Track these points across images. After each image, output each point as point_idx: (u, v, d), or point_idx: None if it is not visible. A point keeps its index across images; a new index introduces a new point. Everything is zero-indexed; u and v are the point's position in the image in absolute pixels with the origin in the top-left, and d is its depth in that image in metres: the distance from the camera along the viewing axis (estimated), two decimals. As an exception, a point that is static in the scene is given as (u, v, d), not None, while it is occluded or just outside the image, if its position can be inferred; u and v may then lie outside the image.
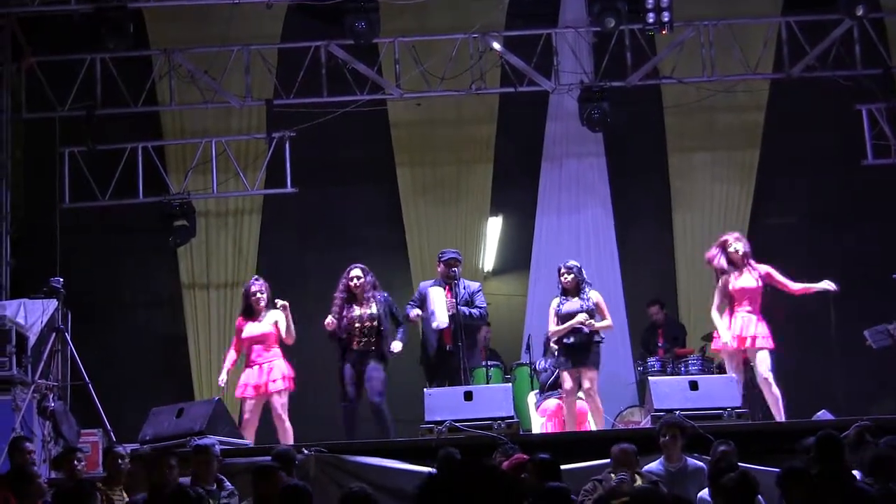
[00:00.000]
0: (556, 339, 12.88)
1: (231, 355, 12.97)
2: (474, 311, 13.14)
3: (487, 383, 13.52)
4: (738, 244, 12.75)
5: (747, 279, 12.61)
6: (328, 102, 16.10)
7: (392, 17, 15.86)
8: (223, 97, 16.27)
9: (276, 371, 12.59)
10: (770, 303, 12.93)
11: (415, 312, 13.10)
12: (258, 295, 12.83)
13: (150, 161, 16.35)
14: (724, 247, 12.78)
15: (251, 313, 12.85)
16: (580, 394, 12.90)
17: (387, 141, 17.34)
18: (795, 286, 12.79)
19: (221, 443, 10.73)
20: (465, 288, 13.21)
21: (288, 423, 12.51)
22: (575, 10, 16.70)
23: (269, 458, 10.01)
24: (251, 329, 12.76)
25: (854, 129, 16.23)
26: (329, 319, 12.85)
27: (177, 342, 17.00)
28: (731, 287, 12.67)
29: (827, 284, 12.72)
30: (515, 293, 17.57)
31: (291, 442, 12.17)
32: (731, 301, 12.72)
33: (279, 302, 12.77)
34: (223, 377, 12.90)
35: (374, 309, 12.84)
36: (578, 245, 16.99)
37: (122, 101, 16.06)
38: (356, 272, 12.99)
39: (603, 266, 16.89)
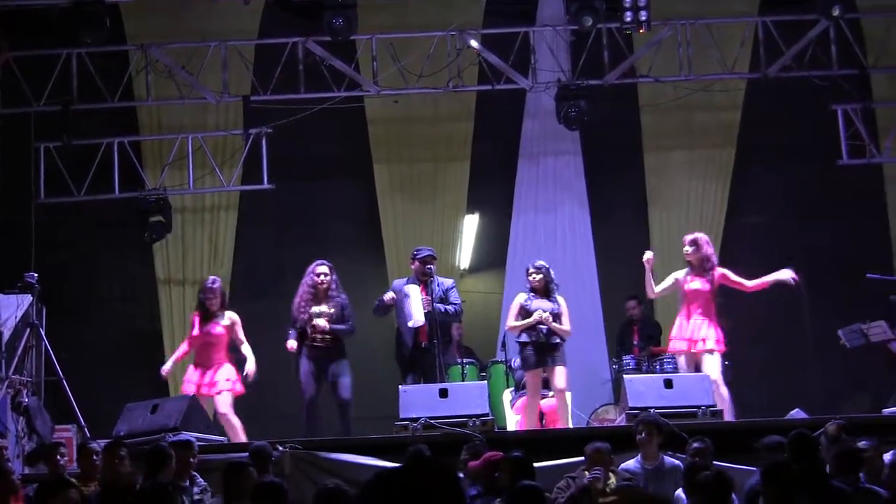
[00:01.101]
0: (517, 336, 12.91)
1: (182, 347, 13.12)
2: (449, 307, 13.16)
3: (463, 381, 13.55)
4: (687, 247, 12.96)
5: (699, 282, 12.80)
6: (305, 99, 16.09)
7: (370, 13, 15.85)
8: (200, 93, 16.23)
9: (220, 373, 12.71)
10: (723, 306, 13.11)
11: (389, 296, 13.16)
12: (211, 299, 12.95)
13: (126, 156, 16.30)
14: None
15: (205, 311, 12.97)
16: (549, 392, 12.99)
17: (364, 138, 17.32)
18: (751, 284, 12.91)
19: (196, 439, 10.71)
20: (438, 285, 13.23)
21: (235, 420, 12.58)
22: (553, 9, 16.71)
23: (244, 454, 10.01)
24: (203, 329, 12.89)
25: (829, 128, 16.27)
26: (290, 343, 12.95)
27: (152, 338, 16.95)
28: (685, 287, 12.88)
29: (785, 274, 12.79)
30: (491, 291, 17.58)
31: (243, 437, 12.25)
32: (686, 302, 12.92)
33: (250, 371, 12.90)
34: (168, 367, 13.11)
35: (332, 310, 12.95)
36: (555, 242, 17.02)
37: (99, 96, 15.99)
38: (323, 269, 13.10)
39: (579, 264, 16.94)
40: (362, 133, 17.29)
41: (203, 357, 12.91)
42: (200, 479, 9.82)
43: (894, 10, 16.63)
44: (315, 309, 12.97)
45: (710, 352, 12.70)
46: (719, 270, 12.95)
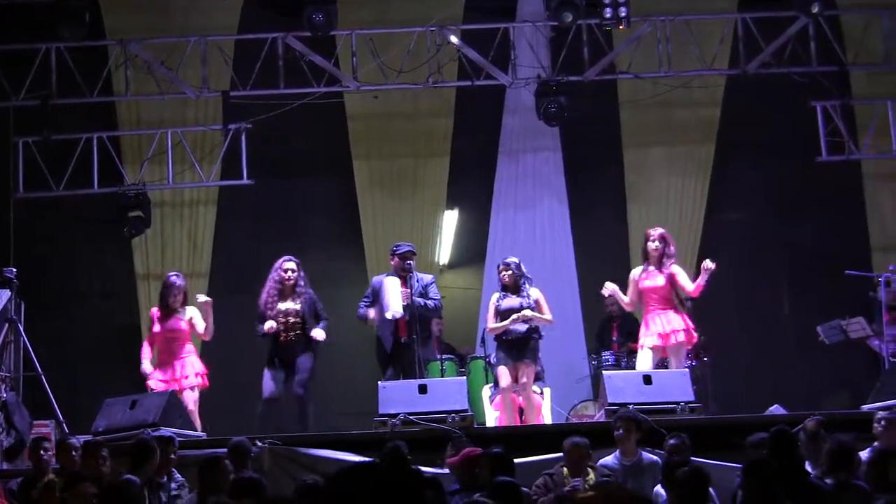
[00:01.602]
0: (494, 334, 12.92)
1: (147, 350, 13.04)
2: (429, 302, 13.15)
3: (442, 376, 13.54)
4: (656, 242, 12.88)
5: (655, 278, 12.72)
6: (285, 94, 16.06)
7: (350, 9, 15.84)
8: (179, 88, 16.20)
9: (188, 367, 12.69)
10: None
11: (371, 315, 13.13)
12: (176, 296, 12.90)
13: (105, 151, 16.26)
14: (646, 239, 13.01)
15: (167, 307, 12.92)
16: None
17: (343, 133, 17.30)
18: (691, 288, 12.77)
19: (175, 434, 10.70)
20: (418, 281, 13.22)
21: (197, 420, 12.53)
22: (532, 5, 16.72)
23: (223, 450, 9.99)
24: (165, 325, 12.85)
25: (809, 125, 16.29)
26: (269, 325, 12.87)
27: (131, 333, 16.88)
28: (641, 285, 12.79)
29: (707, 265, 12.66)
30: (470, 287, 17.58)
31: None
32: (645, 299, 12.83)
33: (201, 298, 12.81)
34: (147, 367, 12.95)
35: (300, 306, 12.93)
36: (534, 238, 17.05)
37: (78, 91, 15.94)
38: (290, 265, 13.08)
39: (558, 260, 16.95)
40: (342, 129, 17.27)
41: (167, 353, 12.86)
42: (178, 475, 9.81)
43: (873, 7, 16.67)
44: (282, 306, 12.95)
45: (681, 344, 12.66)
46: (673, 268, 12.86)
